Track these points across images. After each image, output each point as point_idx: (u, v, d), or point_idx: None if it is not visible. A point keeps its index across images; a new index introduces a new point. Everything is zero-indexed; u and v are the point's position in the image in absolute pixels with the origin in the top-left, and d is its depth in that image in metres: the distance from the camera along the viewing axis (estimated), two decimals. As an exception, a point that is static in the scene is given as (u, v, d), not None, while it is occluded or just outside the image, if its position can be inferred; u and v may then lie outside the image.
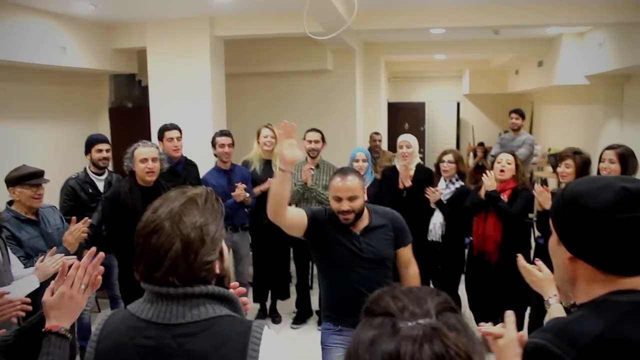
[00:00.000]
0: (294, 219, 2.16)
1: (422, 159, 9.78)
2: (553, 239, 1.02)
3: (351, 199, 2.19)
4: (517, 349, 1.10)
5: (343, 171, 2.28)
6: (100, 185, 3.69)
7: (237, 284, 1.28)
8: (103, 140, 3.78)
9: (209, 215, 1.07)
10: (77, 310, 1.20)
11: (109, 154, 3.77)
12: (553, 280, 1.35)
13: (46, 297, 1.18)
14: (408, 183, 3.72)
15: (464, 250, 3.78)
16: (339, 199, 2.20)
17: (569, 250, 0.97)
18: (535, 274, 1.43)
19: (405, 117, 10.53)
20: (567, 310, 1.32)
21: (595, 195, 0.92)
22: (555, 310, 1.33)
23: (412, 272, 2.34)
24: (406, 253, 2.33)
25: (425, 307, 0.67)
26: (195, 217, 1.04)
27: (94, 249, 1.27)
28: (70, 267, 1.22)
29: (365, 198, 2.25)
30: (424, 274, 3.74)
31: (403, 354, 0.61)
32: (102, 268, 1.24)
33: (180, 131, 3.82)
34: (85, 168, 3.72)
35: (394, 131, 8.66)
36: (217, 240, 1.07)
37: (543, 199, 3.02)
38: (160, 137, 3.79)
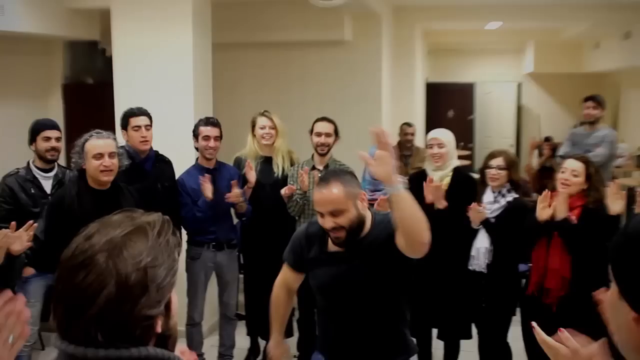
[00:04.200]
0: (295, 284, 2.47)
1: (471, 158, 9.80)
2: (612, 293, 0.97)
3: (334, 213, 2.21)
4: None
5: (325, 177, 2.31)
6: (47, 185, 3.73)
7: (185, 349, 1.29)
8: (52, 126, 3.80)
9: (160, 254, 1.06)
10: None
11: (60, 144, 3.80)
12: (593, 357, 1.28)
13: None
14: (442, 205, 3.63)
15: (517, 284, 3.75)
16: (321, 214, 2.25)
17: (634, 308, 0.92)
18: (560, 350, 1.33)
19: (448, 103, 10.56)
20: None
21: None
22: None
23: None
24: None
25: None
26: (140, 253, 1.03)
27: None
28: None
29: (362, 206, 2.26)
30: (463, 313, 3.84)
31: None
32: (28, 312, 1.15)
33: (150, 118, 3.84)
34: (28, 162, 3.77)
35: (433, 121, 8.61)
36: (165, 289, 1.06)
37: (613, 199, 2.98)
38: (125, 124, 3.81)
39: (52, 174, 3.79)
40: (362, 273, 2.21)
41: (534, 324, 1.46)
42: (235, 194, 3.82)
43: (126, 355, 1.01)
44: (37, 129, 3.76)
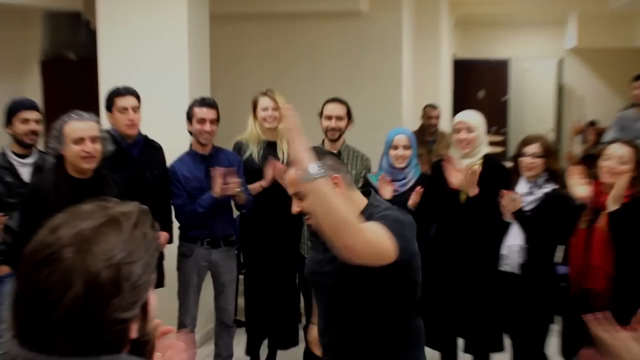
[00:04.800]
0: None
1: (504, 144, 9.76)
2: None
3: (299, 196, 2.19)
4: None
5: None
6: (25, 172, 3.76)
7: (173, 343, 1.31)
8: (31, 106, 3.81)
9: (136, 249, 1.05)
10: None
11: (40, 127, 3.81)
12: None
13: None
14: (474, 192, 3.67)
15: (555, 287, 3.74)
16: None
17: None
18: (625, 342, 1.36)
19: (479, 82, 10.60)
20: None
21: None
22: None
23: None
24: None
25: None
26: (113, 248, 1.03)
27: None
28: None
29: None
30: (493, 322, 3.82)
31: None
32: None
33: (138, 98, 3.85)
34: (3, 148, 3.79)
35: (461, 102, 8.61)
36: (141, 289, 1.05)
37: None
38: (110, 105, 3.82)
39: (30, 160, 3.80)
40: (338, 266, 2.13)
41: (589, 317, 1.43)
42: (232, 185, 3.82)
43: None
44: (14, 109, 3.76)
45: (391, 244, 1.97)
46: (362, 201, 2.25)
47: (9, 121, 3.76)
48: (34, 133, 3.77)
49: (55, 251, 1.01)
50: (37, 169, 3.78)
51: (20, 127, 3.73)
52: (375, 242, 1.94)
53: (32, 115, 3.77)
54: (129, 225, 1.07)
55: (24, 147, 3.78)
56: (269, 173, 3.95)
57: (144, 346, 1.12)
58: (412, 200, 3.73)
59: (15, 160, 3.76)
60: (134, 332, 1.06)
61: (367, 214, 2.16)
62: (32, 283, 1.00)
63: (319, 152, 2.22)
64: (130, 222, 1.08)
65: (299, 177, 1.89)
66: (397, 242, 1.98)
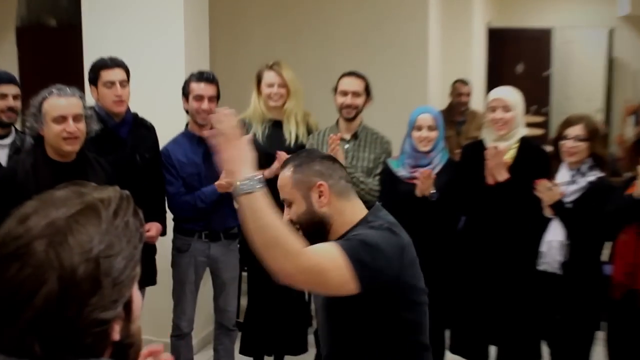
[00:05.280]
0: None
1: (545, 126, 9.71)
2: None
3: (287, 203, 2.27)
4: None
5: (292, 156, 2.36)
6: (1, 155, 3.77)
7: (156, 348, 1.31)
8: (8, 79, 3.82)
9: (117, 241, 1.06)
10: None
11: (18, 103, 3.82)
12: None
13: None
14: (502, 176, 3.67)
15: (601, 289, 3.72)
16: None
17: None
18: None
19: (517, 54, 10.52)
20: None
21: None
22: None
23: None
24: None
25: None
26: (91, 239, 1.03)
27: None
28: None
29: (321, 202, 2.20)
30: (530, 328, 3.83)
31: None
32: None
33: (127, 71, 3.85)
34: (-24, 127, 3.81)
35: (496, 77, 8.55)
36: (124, 285, 1.06)
37: None
38: (94, 79, 3.81)
39: (7, 141, 3.81)
40: None
41: None
42: (227, 181, 3.68)
43: None
44: None
45: (344, 272, 1.95)
46: (358, 214, 2.24)
47: None
48: (12, 110, 3.78)
49: (25, 244, 1.00)
50: (16, 151, 3.79)
51: None
52: (317, 268, 1.94)
53: (9, 89, 3.78)
54: (108, 214, 1.07)
55: (1, 126, 3.79)
56: (274, 165, 3.92)
57: (128, 349, 1.12)
58: (421, 185, 3.69)
59: None
60: (116, 334, 1.06)
61: (350, 232, 2.17)
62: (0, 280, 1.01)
63: (309, 155, 2.31)
64: (109, 210, 1.07)
65: (234, 188, 1.90)
66: (353, 269, 1.95)
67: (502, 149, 3.69)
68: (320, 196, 2.18)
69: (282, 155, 3.81)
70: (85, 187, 1.12)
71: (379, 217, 2.22)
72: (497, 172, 3.67)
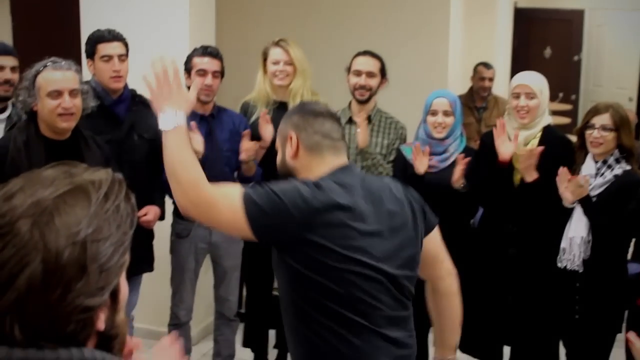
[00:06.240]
0: None
1: (573, 114, 9.63)
2: None
3: None
4: None
5: None
6: (-2, 129, 3.78)
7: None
8: (5, 51, 3.87)
9: (106, 225, 1.07)
10: None
11: (16, 76, 3.82)
12: None
13: None
14: (531, 177, 3.66)
15: (625, 289, 3.72)
16: None
17: None
18: None
19: (546, 37, 10.53)
20: None
21: None
22: None
23: None
24: None
25: None
26: (78, 222, 1.04)
27: None
28: None
29: (290, 154, 2.32)
30: (547, 327, 3.84)
31: None
32: None
33: (125, 45, 3.83)
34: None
35: (522, 61, 8.51)
36: (111, 272, 1.07)
37: None
38: (91, 52, 3.78)
39: (4, 115, 3.84)
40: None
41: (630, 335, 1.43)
42: (249, 147, 3.81)
43: (51, 358, 1.01)
44: None
45: (236, 211, 2.09)
46: (323, 171, 2.27)
47: None
48: (9, 83, 3.80)
49: (9, 222, 1.02)
50: (12, 126, 3.74)
51: None
52: (210, 202, 2.14)
53: (6, 61, 3.83)
54: (98, 197, 1.08)
55: None
56: (266, 130, 3.92)
57: (112, 340, 1.12)
58: (457, 175, 3.69)
59: None
60: (101, 323, 1.07)
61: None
62: None
63: (302, 106, 2.47)
64: (100, 193, 1.09)
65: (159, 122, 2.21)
66: (245, 210, 2.08)
67: (538, 151, 3.67)
68: (291, 148, 2.31)
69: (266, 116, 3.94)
70: (76, 168, 1.13)
71: (334, 175, 2.25)
72: (527, 173, 3.67)
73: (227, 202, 2.12)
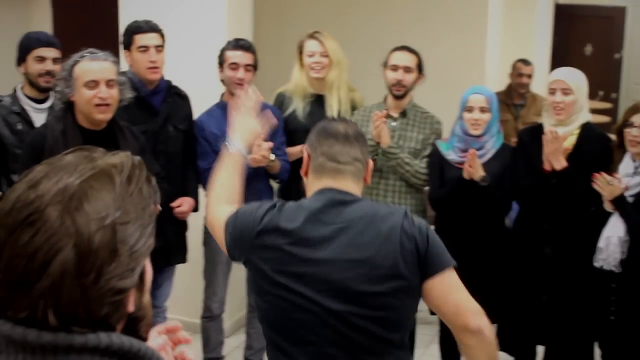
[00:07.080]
0: None
1: (612, 113, 9.49)
2: None
3: None
4: None
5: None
6: (39, 119, 3.79)
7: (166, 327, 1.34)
8: (48, 42, 3.84)
9: (132, 208, 1.07)
10: None
11: (58, 67, 3.82)
12: None
13: None
14: (560, 164, 3.61)
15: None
16: None
17: None
18: None
19: (587, 34, 10.42)
20: None
21: None
22: None
23: None
24: None
25: None
26: (107, 206, 1.04)
27: None
28: None
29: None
30: (582, 328, 3.79)
31: None
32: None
33: (162, 36, 3.85)
34: (15, 89, 3.85)
35: (562, 58, 8.43)
36: (140, 253, 1.07)
37: None
38: (128, 43, 3.83)
39: (46, 105, 3.83)
40: None
41: None
42: (261, 155, 3.64)
43: (79, 343, 1.01)
44: (28, 45, 3.81)
45: (221, 233, 2.25)
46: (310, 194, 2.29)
47: (22, 59, 3.82)
48: (51, 74, 3.79)
49: (37, 210, 1.01)
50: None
51: (34, 67, 3.79)
52: (211, 223, 2.38)
53: (49, 52, 3.81)
54: (121, 180, 1.08)
55: (39, 90, 3.83)
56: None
57: (139, 322, 1.13)
58: (469, 168, 3.63)
59: (28, 104, 3.82)
60: (131, 305, 1.08)
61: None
62: (11, 249, 1.01)
63: (329, 122, 2.40)
64: (123, 176, 1.09)
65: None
66: (224, 232, 2.24)
67: (561, 135, 3.63)
68: (304, 164, 2.35)
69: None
70: (95, 152, 1.13)
71: (307, 198, 2.27)
72: (555, 159, 3.61)
73: (218, 224, 2.28)
